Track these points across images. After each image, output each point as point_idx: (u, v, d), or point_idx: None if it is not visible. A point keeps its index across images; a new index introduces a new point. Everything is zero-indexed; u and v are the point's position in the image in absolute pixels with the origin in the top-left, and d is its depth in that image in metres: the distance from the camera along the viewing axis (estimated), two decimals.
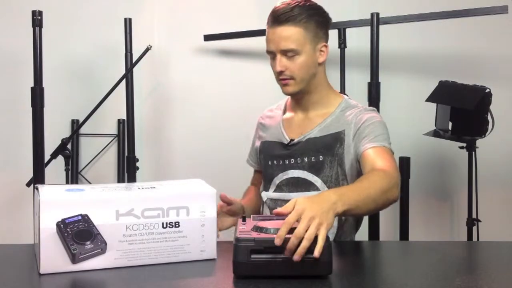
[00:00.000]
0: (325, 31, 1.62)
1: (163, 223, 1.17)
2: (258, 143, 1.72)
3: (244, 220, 1.20)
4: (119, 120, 2.66)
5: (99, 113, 2.40)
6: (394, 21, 2.33)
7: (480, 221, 2.35)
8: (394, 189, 1.37)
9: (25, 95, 2.12)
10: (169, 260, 1.17)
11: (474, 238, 2.33)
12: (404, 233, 2.33)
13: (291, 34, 1.51)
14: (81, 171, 2.64)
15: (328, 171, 1.55)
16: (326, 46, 1.61)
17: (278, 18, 1.52)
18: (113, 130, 2.68)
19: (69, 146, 2.33)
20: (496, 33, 2.62)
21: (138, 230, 1.15)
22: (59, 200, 1.11)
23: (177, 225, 1.18)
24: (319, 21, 1.58)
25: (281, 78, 1.55)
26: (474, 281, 1.07)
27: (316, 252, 1.01)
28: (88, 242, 1.10)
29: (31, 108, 2.08)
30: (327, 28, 1.63)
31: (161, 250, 1.17)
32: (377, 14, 2.21)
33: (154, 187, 1.22)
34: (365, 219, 2.21)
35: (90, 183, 2.61)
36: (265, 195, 1.66)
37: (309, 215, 1.05)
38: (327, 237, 1.06)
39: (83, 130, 2.53)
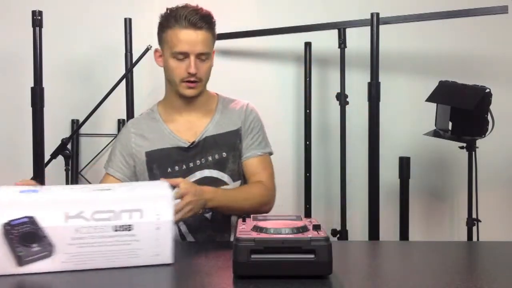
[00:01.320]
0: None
1: (114, 226, 1.12)
2: (138, 154, 1.66)
3: (244, 220, 1.20)
4: (119, 120, 2.66)
5: (99, 113, 2.40)
6: (394, 21, 2.33)
7: (480, 221, 2.35)
8: (271, 203, 1.67)
9: (25, 95, 2.12)
10: (120, 265, 1.13)
11: (474, 238, 2.33)
12: (404, 233, 2.33)
13: (206, 39, 1.59)
14: (81, 171, 2.64)
15: (232, 165, 1.65)
16: (214, 52, 1.69)
17: (196, 22, 1.56)
18: (113, 130, 2.68)
19: (69, 146, 2.33)
20: (496, 33, 2.62)
21: (87, 233, 1.11)
22: (5, 202, 1.09)
23: (129, 229, 1.13)
24: (215, 29, 1.67)
25: (190, 80, 1.59)
26: (474, 281, 1.07)
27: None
28: (34, 245, 1.08)
29: (31, 108, 2.08)
30: None
31: (112, 254, 1.13)
32: (377, 14, 2.21)
33: (110, 189, 1.18)
34: (365, 219, 2.21)
35: (90, 183, 2.61)
36: None
37: (187, 200, 1.38)
38: (327, 237, 1.06)
39: (83, 130, 2.53)
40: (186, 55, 1.57)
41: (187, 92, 1.61)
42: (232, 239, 1.64)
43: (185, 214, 1.38)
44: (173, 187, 1.33)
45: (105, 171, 1.72)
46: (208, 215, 1.64)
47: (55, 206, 1.10)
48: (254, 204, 1.59)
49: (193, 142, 1.63)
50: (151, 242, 1.14)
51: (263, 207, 1.63)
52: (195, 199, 1.40)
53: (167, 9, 1.63)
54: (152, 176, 1.65)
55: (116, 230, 1.12)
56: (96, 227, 1.11)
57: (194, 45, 1.56)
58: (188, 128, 1.66)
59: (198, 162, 1.63)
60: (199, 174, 1.62)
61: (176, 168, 1.62)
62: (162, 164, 1.63)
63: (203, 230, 1.65)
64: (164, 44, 1.61)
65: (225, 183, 1.64)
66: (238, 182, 1.67)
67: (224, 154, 1.64)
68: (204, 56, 1.59)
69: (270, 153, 1.74)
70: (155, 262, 1.15)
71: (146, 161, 1.65)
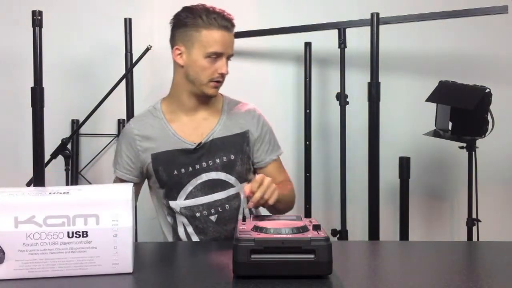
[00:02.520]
0: None
1: (68, 232, 1.07)
2: (144, 156, 1.66)
3: (244, 220, 1.20)
4: (119, 120, 2.66)
5: (99, 113, 2.40)
6: (394, 21, 2.33)
7: (480, 221, 2.35)
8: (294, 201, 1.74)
9: (25, 95, 2.11)
10: (76, 273, 1.08)
11: (474, 238, 2.33)
12: (404, 233, 2.33)
13: (233, 41, 1.64)
14: (81, 171, 2.64)
15: (239, 167, 1.66)
16: None
17: (227, 25, 1.60)
18: (113, 130, 2.68)
19: (69, 146, 2.32)
20: (496, 33, 2.62)
21: (40, 239, 1.06)
22: None
23: (85, 235, 1.08)
24: None
25: (219, 80, 1.62)
26: (474, 281, 1.07)
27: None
28: None
29: (31, 108, 2.08)
30: None
31: (67, 262, 1.08)
32: (377, 14, 2.21)
33: (68, 192, 1.11)
34: (365, 219, 2.21)
35: (90, 183, 2.62)
36: (176, 205, 1.64)
37: (268, 180, 1.41)
38: (327, 237, 1.06)
39: (83, 130, 2.53)
40: (219, 55, 1.58)
41: (212, 92, 1.62)
42: None
43: (274, 192, 1.40)
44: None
45: (113, 173, 1.73)
46: (213, 217, 1.64)
47: (4, 211, 1.05)
48: (293, 199, 1.70)
49: (200, 144, 1.62)
50: (109, 250, 1.09)
51: (292, 204, 1.72)
52: (271, 185, 1.41)
53: (188, 7, 1.62)
54: (159, 178, 1.65)
55: (70, 237, 1.07)
56: (49, 233, 1.06)
57: (227, 47, 1.60)
58: (193, 128, 1.66)
59: (204, 164, 1.62)
60: (205, 176, 1.63)
61: (183, 170, 1.62)
62: (168, 166, 1.63)
63: (208, 231, 1.65)
64: (194, 43, 1.59)
65: (232, 186, 1.65)
66: (244, 184, 1.67)
67: (232, 157, 1.64)
68: (231, 58, 1.64)
69: (281, 153, 1.79)
70: (114, 271, 1.10)
71: (152, 163, 1.65)
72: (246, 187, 1.40)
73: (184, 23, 1.61)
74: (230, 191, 1.65)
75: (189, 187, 1.62)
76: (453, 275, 1.11)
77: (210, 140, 1.64)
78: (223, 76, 1.62)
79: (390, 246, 1.55)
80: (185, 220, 1.65)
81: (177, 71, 1.67)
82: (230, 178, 1.65)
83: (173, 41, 1.66)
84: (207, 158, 1.62)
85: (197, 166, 1.62)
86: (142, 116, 1.73)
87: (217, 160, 1.63)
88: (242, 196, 1.67)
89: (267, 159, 1.72)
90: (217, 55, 1.58)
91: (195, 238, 1.66)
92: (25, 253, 1.06)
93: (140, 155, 1.66)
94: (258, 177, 1.41)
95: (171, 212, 1.69)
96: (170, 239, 1.74)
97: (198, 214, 1.64)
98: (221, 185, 1.63)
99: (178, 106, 1.68)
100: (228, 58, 1.62)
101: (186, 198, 1.63)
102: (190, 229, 1.65)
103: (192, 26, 1.59)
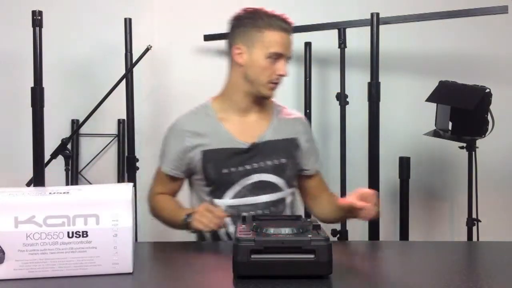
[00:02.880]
0: None
1: (68, 232, 1.07)
2: (194, 153, 1.64)
3: (244, 220, 1.20)
4: (119, 120, 2.66)
5: (99, 113, 2.40)
6: (394, 21, 2.33)
7: (480, 221, 2.35)
8: None
9: (25, 95, 2.12)
10: (76, 273, 1.08)
11: (474, 238, 2.33)
12: (404, 233, 2.33)
13: (292, 44, 1.63)
14: (81, 171, 2.64)
15: (289, 172, 1.66)
16: None
17: (287, 27, 1.60)
18: (113, 130, 2.68)
19: (69, 146, 2.33)
20: (496, 33, 2.62)
21: (40, 239, 1.06)
22: None
23: (85, 235, 1.07)
24: None
25: (277, 82, 1.62)
26: (474, 281, 1.07)
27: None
28: None
29: (31, 108, 2.08)
30: None
31: (67, 262, 1.07)
32: (377, 14, 2.21)
33: (68, 192, 1.11)
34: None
35: (90, 183, 2.62)
36: (222, 203, 1.63)
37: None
38: (327, 237, 1.06)
39: (83, 130, 2.53)
40: (280, 57, 1.59)
41: (270, 93, 1.63)
42: None
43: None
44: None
45: (158, 166, 1.72)
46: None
47: (4, 211, 1.05)
48: None
49: (254, 144, 1.62)
50: (108, 250, 1.09)
51: None
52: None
53: (249, 8, 1.64)
54: (207, 175, 1.63)
55: (70, 237, 1.07)
56: (49, 233, 1.06)
57: (288, 49, 1.61)
58: (244, 129, 1.65)
59: (256, 165, 1.62)
60: (256, 177, 1.62)
61: (232, 169, 1.61)
62: (217, 164, 1.61)
63: None
64: (255, 43, 1.59)
65: (280, 189, 1.64)
66: (292, 189, 1.70)
67: (284, 160, 1.64)
68: (289, 60, 1.64)
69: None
70: (114, 271, 1.09)
71: (202, 159, 1.63)
72: (357, 201, 1.42)
73: (245, 23, 1.62)
74: (278, 195, 1.64)
75: (237, 187, 1.61)
76: (453, 275, 1.11)
77: (262, 142, 1.64)
78: (281, 77, 1.62)
79: (390, 246, 1.55)
80: (228, 220, 1.64)
81: (234, 70, 1.66)
82: (280, 182, 1.64)
83: (231, 41, 1.65)
84: (259, 159, 1.62)
85: (248, 167, 1.61)
86: (192, 113, 1.72)
87: (269, 162, 1.63)
88: (288, 201, 1.68)
89: (311, 170, 1.73)
90: (277, 56, 1.59)
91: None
92: (25, 253, 1.06)
93: (189, 151, 1.64)
94: (366, 190, 1.45)
95: None
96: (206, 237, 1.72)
97: (245, 214, 1.63)
98: (270, 187, 1.63)
99: (230, 105, 1.67)
100: (286, 60, 1.62)
101: (234, 197, 1.62)
102: (232, 229, 1.64)
103: (253, 27, 1.60)
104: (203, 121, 1.67)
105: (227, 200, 1.62)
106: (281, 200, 1.65)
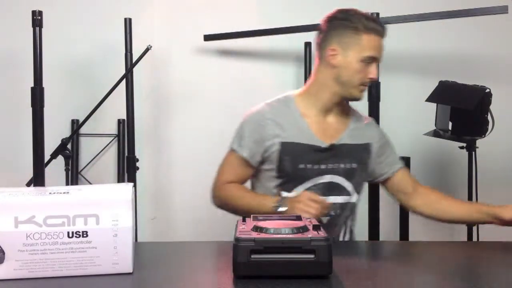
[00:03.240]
0: None
1: (68, 232, 1.07)
2: (272, 142, 1.64)
3: (244, 220, 1.19)
4: (119, 120, 2.66)
5: (99, 113, 2.41)
6: (394, 21, 2.33)
7: None
8: None
9: (25, 95, 2.12)
10: (76, 273, 1.08)
11: (474, 238, 2.33)
12: (404, 233, 2.33)
13: (383, 47, 1.65)
14: (81, 171, 2.64)
15: (358, 177, 1.68)
16: None
17: (381, 30, 1.62)
18: (113, 130, 2.68)
19: (69, 146, 2.33)
20: (496, 33, 2.62)
21: (40, 239, 1.06)
22: None
23: (85, 235, 1.07)
24: None
25: (366, 84, 1.64)
26: (474, 281, 1.07)
27: None
28: None
29: (31, 108, 2.08)
30: None
31: (67, 262, 1.07)
32: (377, 14, 2.21)
33: (68, 192, 1.11)
34: (365, 219, 2.21)
35: (90, 183, 2.62)
36: (290, 196, 1.63)
37: None
38: (327, 237, 1.06)
39: (83, 130, 2.53)
40: (373, 60, 1.61)
41: (360, 95, 1.66)
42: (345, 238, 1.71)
43: None
44: None
45: (230, 152, 1.70)
46: (325, 219, 1.64)
47: (4, 211, 1.05)
48: None
49: (332, 145, 1.64)
50: (108, 250, 1.08)
51: None
52: None
53: (346, 11, 1.65)
54: (282, 167, 1.63)
55: (70, 237, 1.07)
56: (49, 233, 1.06)
57: (381, 53, 1.63)
58: (324, 129, 1.67)
59: (330, 165, 1.63)
60: (328, 178, 1.63)
61: (309, 166, 1.62)
62: (295, 158, 1.62)
63: None
64: (352, 46, 1.61)
65: (348, 193, 1.66)
66: (359, 196, 1.71)
67: (354, 165, 1.66)
68: (378, 64, 1.67)
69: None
70: (114, 271, 1.09)
71: (280, 150, 1.63)
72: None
73: (341, 25, 1.63)
74: (345, 198, 1.66)
75: (309, 184, 1.62)
76: (453, 275, 1.11)
77: (340, 144, 1.66)
78: (372, 81, 1.64)
79: (390, 246, 1.55)
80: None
81: (325, 71, 1.66)
82: (348, 185, 1.66)
83: (326, 42, 1.66)
84: (333, 161, 1.64)
85: (323, 166, 1.63)
86: (275, 103, 1.71)
87: (341, 165, 1.64)
88: (353, 206, 1.70)
89: (393, 169, 1.75)
90: (371, 60, 1.61)
91: None
92: (25, 253, 1.06)
93: (268, 140, 1.63)
94: None
95: None
96: None
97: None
98: (339, 189, 1.64)
99: (314, 103, 1.68)
100: (377, 63, 1.65)
101: None
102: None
103: (351, 29, 1.61)
104: (285, 112, 1.67)
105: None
106: (348, 204, 1.68)
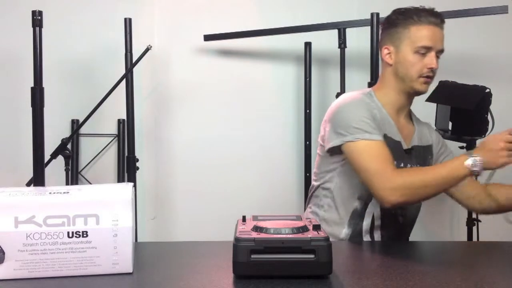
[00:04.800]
0: None
1: (68, 232, 1.07)
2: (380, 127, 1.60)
3: (244, 220, 1.19)
4: (119, 120, 2.66)
5: (99, 113, 2.41)
6: None
7: (480, 221, 2.35)
8: None
9: (25, 95, 2.12)
10: (76, 273, 1.08)
11: (474, 238, 2.33)
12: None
13: (443, 37, 1.65)
14: (81, 171, 2.64)
15: None
16: None
17: (437, 19, 1.61)
18: (113, 130, 2.68)
19: (69, 146, 2.33)
20: (496, 33, 2.62)
21: (40, 239, 1.06)
22: None
23: (85, 235, 1.08)
24: None
25: (428, 75, 1.62)
26: (474, 281, 1.07)
27: None
28: None
29: (31, 108, 2.08)
30: None
31: (67, 262, 1.08)
32: (377, 14, 2.21)
33: (68, 192, 1.11)
34: None
35: (90, 183, 2.62)
36: None
37: None
38: (327, 237, 1.06)
39: (83, 130, 2.53)
40: (428, 50, 1.60)
41: (423, 87, 1.63)
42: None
43: None
44: None
45: (365, 140, 1.51)
46: (400, 218, 1.67)
47: (4, 211, 1.05)
48: None
49: (412, 148, 1.67)
50: (109, 250, 1.09)
51: None
52: None
53: (398, 9, 1.65)
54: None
55: (70, 237, 1.07)
56: (49, 233, 1.06)
57: (437, 41, 1.61)
58: (401, 131, 1.68)
59: (409, 165, 1.65)
60: None
61: (401, 164, 1.63)
62: (391, 153, 1.57)
63: (390, 229, 1.66)
64: (403, 40, 1.62)
65: None
66: None
67: (419, 166, 1.67)
68: (440, 53, 1.64)
69: None
70: (114, 271, 1.09)
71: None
72: None
73: (394, 24, 1.64)
74: None
75: None
76: (453, 275, 1.11)
77: (413, 145, 1.69)
78: (432, 71, 1.62)
79: (390, 246, 1.55)
80: (377, 212, 1.63)
81: (386, 70, 1.69)
82: None
83: (382, 42, 1.69)
84: (410, 162, 1.65)
85: (402, 165, 1.63)
86: (363, 96, 1.65)
87: (414, 166, 1.66)
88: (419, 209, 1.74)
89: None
90: (426, 50, 1.60)
91: (377, 235, 1.65)
92: (25, 253, 1.06)
93: (378, 121, 1.58)
94: None
95: (365, 198, 1.62)
96: (339, 230, 1.64)
97: (393, 211, 1.63)
98: None
99: (388, 102, 1.68)
100: (437, 53, 1.63)
101: None
102: (378, 222, 1.63)
103: (401, 26, 1.63)
104: (374, 106, 1.64)
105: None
106: (415, 206, 1.72)
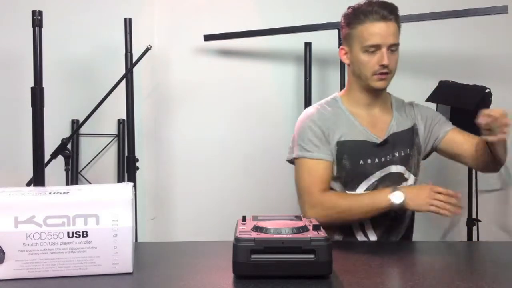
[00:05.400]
0: None
1: (68, 232, 1.07)
2: (331, 140, 1.63)
3: (244, 220, 1.19)
4: (119, 120, 2.66)
5: (99, 113, 2.40)
6: None
7: (480, 221, 2.35)
8: None
9: (25, 95, 2.12)
10: (76, 273, 1.08)
11: (474, 238, 2.33)
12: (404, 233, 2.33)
13: (395, 30, 1.63)
14: (81, 171, 2.64)
15: (413, 160, 1.69)
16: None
17: (385, 15, 1.59)
18: (113, 130, 2.68)
19: (69, 146, 2.33)
20: (496, 33, 2.62)
21: (40, 239, 1.06)
22: None
23: (85, 235, 1.07)
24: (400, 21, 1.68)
25: (382, 72, 1.61)
26: (474, 281, 1.07)
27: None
28: None
29: (31, 108, 2.08)
30: None
31: (67, 262, 1.08)
32: None
33: (68, 192, 1.11)
34: None
35: (90, 183, 2.62)
36: None
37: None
38: (327, 237, 1.06)
39: (83, 130, 2.53)
40: (378, 47, 1.59)
41: (378, 84, 1.63)
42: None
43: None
44: None
45: (302, 161, 1.62)
46: (392, 213, 1.64)
47: (4, 211, 1.05)
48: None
49: (386, 140, 1.65)
50: (108, 250, 1.09)
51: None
52: None
53: (350, 7, 1.65)
54: (342, 166, 1.63)
55: (70, 237, 1.07)
56: (49, 233, 1.06)
57: (386, 37, 1.59)
58: (373, 123, 1.68)
59: (388, 157, 1.65)
60: (388, 169, 1.65)
61: (369, 161, 1.63)
62: (354, 155, 1.63)
63: (382, 226, 1.65)
64: (354, 40, 1.62)
65: (405, 179, 1.68)
66: (415, 178, 1.72)
67: (408, 151, 1.67)
68: (394, 47, 1.62)
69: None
70: (114, 271, 1.09)
71: (337, 151, 1.63)
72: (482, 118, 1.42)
73: (346, 23, 1.65)
74: (403, 184, 1.66)
75: (372, 179, 1.63)
76: (453, 275, 1.11)
77: (390, 135, 1.67)
78: (387, 67, 1.60)
79: (390, 246, 1.55)
80: None
81: (348, 70, 1.73)
82: (405, 171, 1.68)
83: (340, 43, 1.72)
84: (388, 152, 1.65)
85: (383, 159, 1.64)
86: (320, 108, 1.70)
87: (396, 154, 1.66)
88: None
89: (447, 128, 1.73)
90: (375, 48, 1.60)
91: (370, 232, 1.65)
92: (25, 253, 1.06)
93: (328, 136, 1.64)
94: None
95: None
96: (330, 234, 1.59)
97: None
98: (399, 178, 1.66)
99: (356, 101, 1.70)
100: (389, 48, 1.60)
101: (367, 189, 1.63)
102: (367, 221, 1.63)
103: (351, 25, 1.63)
104: (335, 113, 1.68)
105: (361, 191, 1.63)
106: None
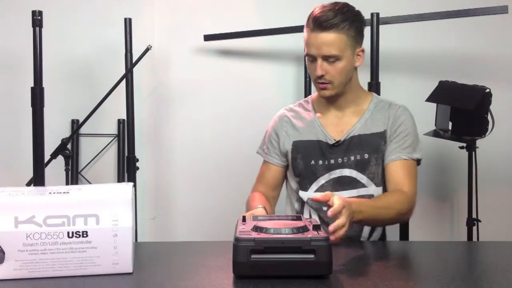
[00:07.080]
0: (363, 35, 1.63)
1: (68, 232, 1.07)
2: (286, 142, 1.68)
3: (244, 220, 1.19)
4: (119, 120, 2.66)
5: (99, 113, 2.41)
6: (394, 21, 2.33)
7: (480, 221, 2.35)
8: (410, 213, 1.57)
9: (25, 95, 2.12)
10: (76, 273, 1.08)
11: (474, 238, 2.33)
12: (404, 233, 2.33)
13: (334, 41, 1.54)
14: (81, 171, 2.64)
15: (374, 168, 1.62)
16: (363, 50, 1.62)
17: (321, 24, 1.53)
18: (113, 130, 2.68)
19: (69, 146, 2.33)
20: (496, 33, 2.62)
21: (40, 239, 1.06)
22: None
23: (85, 235, 1.08)
24: (359, 27, 1.59)
25: (320, 82, 1.59)
26: (474, 281, 1.07)
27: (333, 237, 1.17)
28: None
29: (31, 108, 2.08)
30: (363, 32, 1.64)
31: (67, 262, 1.08)
32: (377, 14, 2.21)
33: (68, 192, 1.11)
34: None
35: (90, 183, 2.62)
36: (305, 195, 1.65)
37: (346, 215, 1.22)
38: (327, 237, 1.06)
39: (83, 130, 2.53)
40: (314, 57, 1.57)
41: (321, 93, 1.63)
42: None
43: (345, 231, 1.22)
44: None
45: (262, 158, 1.78)
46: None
47: (4, 211, 1.05)
48: (392, 214, 1.50)
49: (339, 141, 1.62)
50: (108, 250, 1.09)
51: (402, 216, 1.56)
52: (348, 212, 1.25)
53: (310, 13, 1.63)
54: (295, 166, 1.65)
55: (70, 237, 1.07)
56: (49, 233, 1.06)
57: (318, 48, 1.55)
58: (336, 124, 1.66)
59: (340, 160, 1.62)
60: (339, 172, 1.62)
61: (319, 162, 1.63)
62: (306, 155, 1.64)
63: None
64: (304, 46, 1.62)
65: (363, 186, 1.62)
66: (380, 188, 1.63)
67: (366, 156, 1.61)
68: (332, 58, 1.54)
69: (418, 160, 1.66)
70: (114, 271, 1.10)
71: (292, 150, 1.66)
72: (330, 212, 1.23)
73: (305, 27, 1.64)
74: (361, 191, 1.61)
75: (321, 180, 1.63)
76: (453, 275, 1.11)
77: (349, 137, 1.63)
78: (324, 77, 1.57)
79: (390, 246, 1.55)
80: (307, 213, 1.67)
81: None
82: (362, 178, 1.61)
83: None
84: (343, 154, 1.62)
85: (332, 161, 1.62)
86: (295, 106, 1.76)
87: (352, 158, 1.61)
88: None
89: (393, 157, 1.60)
90: (312, 58, 1.58)
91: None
92: (25, 253, 1.06)
93: (284, 140, 1.69)
94: (337, 205, 1.22)
95: (300, 200, 1.69)
96: None
97: (325, 208, 1.54)
98: (352, 183, 1.61)
99: (322, 101, 1.69)
100: (326, 59, 1.55)
101: (317, 191, 1.63)
102: (315, 218, 1.64)
103: (304, 29, 1.62)
104: (302, 114, 1.71)
105: (311, 192, 1.64)
106: (365, 197, 1.59)
